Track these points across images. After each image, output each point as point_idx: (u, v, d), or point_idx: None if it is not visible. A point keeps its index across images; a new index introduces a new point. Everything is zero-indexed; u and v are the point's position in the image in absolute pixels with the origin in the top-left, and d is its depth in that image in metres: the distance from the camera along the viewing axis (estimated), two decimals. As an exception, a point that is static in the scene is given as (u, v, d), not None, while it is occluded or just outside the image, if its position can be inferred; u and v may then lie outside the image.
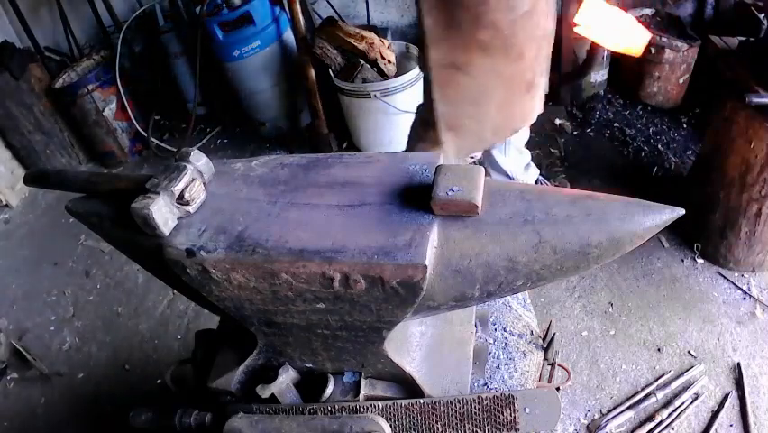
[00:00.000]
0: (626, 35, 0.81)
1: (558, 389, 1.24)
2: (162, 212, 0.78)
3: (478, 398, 0.88)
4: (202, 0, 3.02)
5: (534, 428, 0.88)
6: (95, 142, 3.59)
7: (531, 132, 3.35)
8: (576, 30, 0.86)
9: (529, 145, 3.24)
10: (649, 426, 1.90)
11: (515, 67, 1.52)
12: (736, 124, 2.08)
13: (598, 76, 3.42)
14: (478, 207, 0.73)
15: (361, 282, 0.74)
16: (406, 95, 2.87)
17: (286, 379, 0.91)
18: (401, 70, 2.97)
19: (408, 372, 0.89)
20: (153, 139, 3.59)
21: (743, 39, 2.24)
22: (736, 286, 2.32)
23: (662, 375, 2.04)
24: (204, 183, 0.85)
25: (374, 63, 2.91)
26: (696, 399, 1.96)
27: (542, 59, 1.58)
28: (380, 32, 3.24)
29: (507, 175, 2.54)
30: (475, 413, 0.88)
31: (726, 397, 1.95)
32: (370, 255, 0.72)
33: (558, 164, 3.09)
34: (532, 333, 1.20)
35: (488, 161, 2.51)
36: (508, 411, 0.87)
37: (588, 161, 3.08)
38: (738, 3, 3.13)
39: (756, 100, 1.88)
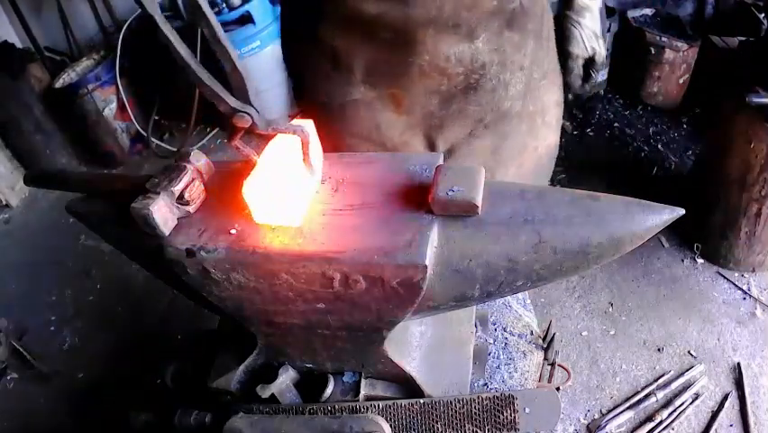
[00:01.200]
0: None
1: (558, 389, 1.24)
2: (162, 212, 0.78)
3: (478, 398, 0.88)
4: (202, 0, 3.02)
5: (534, 428, 0.88)
6: (95, 142, 3.58)
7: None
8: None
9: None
10: (649, 426, 1.90)
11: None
12: (736, 124, 2.08)
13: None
14: (478, 207, 0.73)
15: (361, 282, 0.74)
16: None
17: (286, 379, 0.91)
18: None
19: (408, 372, 0.89)
20: (153, 139, 3.59)
21: (743, 39, 2.24)
22: (736, 286, 2.32)
23: (662, 375, 2.04)
24: (204, 183, 0.85)
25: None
26: (696, 399, 1.96)
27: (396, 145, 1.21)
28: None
29: None
30: (475, 413, 0.88)
31: (726, 397, 1.95)
32: (370, 255, 0.72)
33: (558, 164, 3.08)
34: (532, 333, 1.20)
35: None
36: (508, 411, 0.87)
37: (588, 161, 3.08)
38: (738, 3, 3.13)
39: (756, 100, 1.88)
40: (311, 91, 1.21)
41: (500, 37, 1.09)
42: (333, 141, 1.14)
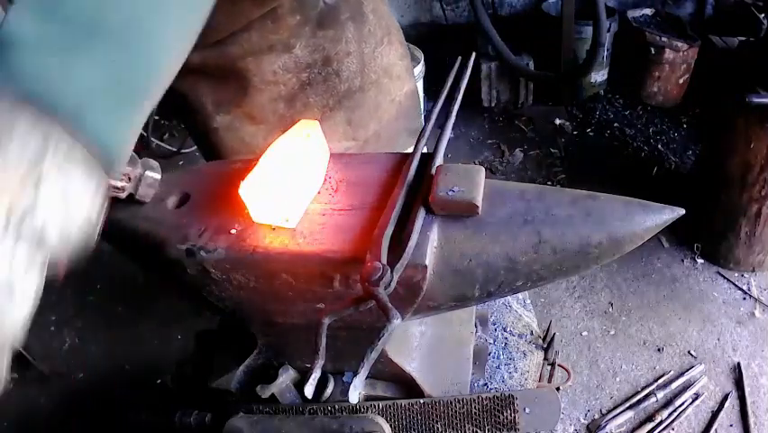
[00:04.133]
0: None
1: (558, 389, 1.24)
2: None
3: (478, 398, 0.88)
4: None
5: (535, 428, 0.88)
6: (95, 142, 3.59)
7: (531, 132, 3.37)
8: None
9: (529, 145, 3.26)
10: (649, 426, 1.90)
11: None
12: (736, 124, 2.08)
13: (598, 76, 3.43)
14: (478, 207, 0.73)
15: (361, 282, 0.74)
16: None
17: (286, 379, 0.91)
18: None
19: (408, 372, 0.89)
20: (153, 139, 3.59)
21: (743, 39, 2.24)
22: (736, 286, 2.32)
23: (663, 375, 2.04)
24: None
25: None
26: (696, 399, 1.96)
27: None
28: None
29: None
30: (475, 413, 0.88)
31: (726, 397, 1.96)
32: (370, 255, 0.72)
33: (558, 164, 3.09)
34: (532, 333, 1.20)
35: None
36: (508, 411, 0.87)
37: (588, 161, 3.08)
38: (738, 3, 3.13)
39: (756, 100, 1.88)
40: (185, 126, 1.37)
41: (316, 38, 1.21)
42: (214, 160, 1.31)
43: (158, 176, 0.85)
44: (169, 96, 1.24)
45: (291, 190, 0.77)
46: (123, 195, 0.82)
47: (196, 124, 1.29)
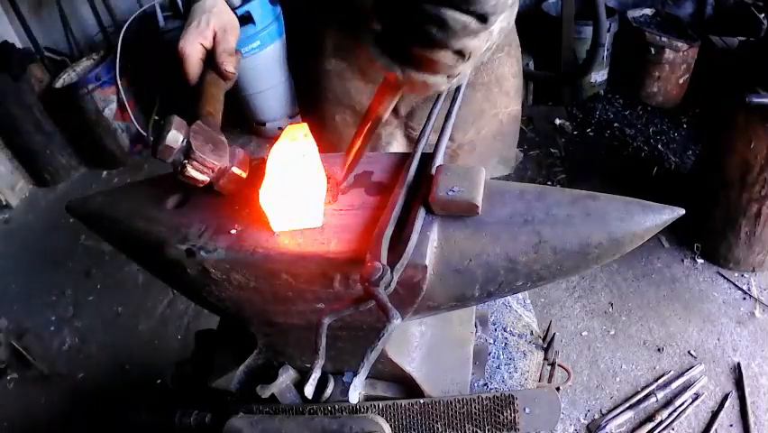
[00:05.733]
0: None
1: (558, 389, 1.24)
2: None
3: (478, 398, 0.88)
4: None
5: (535, 428, 0.88)
6: (95, 142, 3.59)
7: (531, 132, 3.37)
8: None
9: (529, 145, 3.26)
10: (649, 426, 1.90)
11: None
12: (736, 124, 2.08)
13: (598, 76, 3.42)
14: (478, 207, 0.73)
15: (361, 282, 0.74)
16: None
17: (286, 379, 0.91)
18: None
19: (408, 372, 0.89)
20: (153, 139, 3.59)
21: (743, 39, 2.24)
22: (736, 286, 2.32)
23: (663, 375, 2.04)
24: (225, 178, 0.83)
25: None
26: (696, 399, 1.96)
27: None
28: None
29: None
30: (475, 413, 0.88)
31: (726, 397, 1.96)
32: (370, 255, 0.72)
33: (558, 164, 3.09)
34: (532, 333, 1.20)
35: None
36: (508, 411, 0.87)
37: (588, 161, 3.08)
38: (738, 3, 3.13)
39: (756, 100, 1.88)
40: (298, 67, 1.42)
41: None
42: (315, 108, 1.38)
43: (244, 175, 0.84)
44: (294, 38, 1.34)
45: (307, 191, 0.77)
46: (201, 185, 0.81)
47: (310, 68, 1.32)
